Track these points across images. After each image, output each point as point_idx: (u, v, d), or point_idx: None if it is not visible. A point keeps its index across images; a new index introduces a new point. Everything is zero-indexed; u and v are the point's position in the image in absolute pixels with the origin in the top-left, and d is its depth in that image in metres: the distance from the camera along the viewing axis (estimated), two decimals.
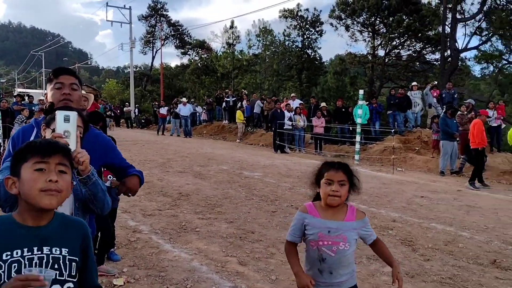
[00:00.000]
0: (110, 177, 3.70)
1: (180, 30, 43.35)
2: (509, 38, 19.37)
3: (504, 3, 19.28)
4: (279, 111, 15.11)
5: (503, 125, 13.83)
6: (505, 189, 9.51)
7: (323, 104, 16.78)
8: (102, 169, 2.51)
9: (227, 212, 6.05)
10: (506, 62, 21.00)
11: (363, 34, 26.12)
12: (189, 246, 4.60)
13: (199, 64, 37.66)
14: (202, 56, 40.07)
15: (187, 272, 3.91)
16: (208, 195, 7.09)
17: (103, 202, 1.91)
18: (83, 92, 2.51)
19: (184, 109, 20.51)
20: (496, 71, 22.43)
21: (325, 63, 35.53)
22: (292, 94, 20.30)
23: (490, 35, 20.10)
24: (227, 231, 5.13)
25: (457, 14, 19.42)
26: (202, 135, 22.21)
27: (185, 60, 43.86)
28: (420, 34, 24.46)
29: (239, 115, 19.06)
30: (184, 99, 21.85)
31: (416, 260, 4.32)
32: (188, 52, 43.27)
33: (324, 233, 2.04)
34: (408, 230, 5.44)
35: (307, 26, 29.88)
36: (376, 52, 26.42)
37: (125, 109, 30.56)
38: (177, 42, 43.48)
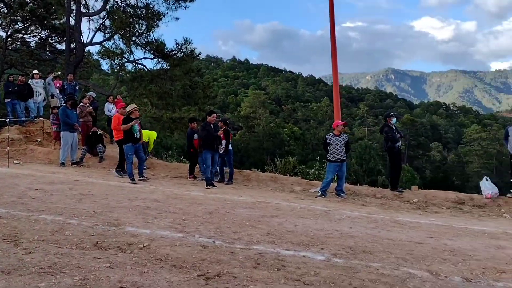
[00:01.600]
0: None
1: None
2: (129, 38, 21.30)
3: (124, 6, 21.05)
4: None
5: None
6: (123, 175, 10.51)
7: None
8: None
9: None
10: (127, 60, 23.02)
11: None
12: None
13: None
14: None
15: None
16: None
17: None
18: None
19: None
20: (119, 67, 24.20)
21: None
22: None
23: (113, 33, 21.44)
24: None
25: (82, 7, 19.79)
26: None
27: None
28: (46, 22, 23.38)
29: None
30: None
31: (16, 255, 4.13)
32: None
33: None
34: (14, 225, 5.16)
35: None
36: None
37: None
38: None
